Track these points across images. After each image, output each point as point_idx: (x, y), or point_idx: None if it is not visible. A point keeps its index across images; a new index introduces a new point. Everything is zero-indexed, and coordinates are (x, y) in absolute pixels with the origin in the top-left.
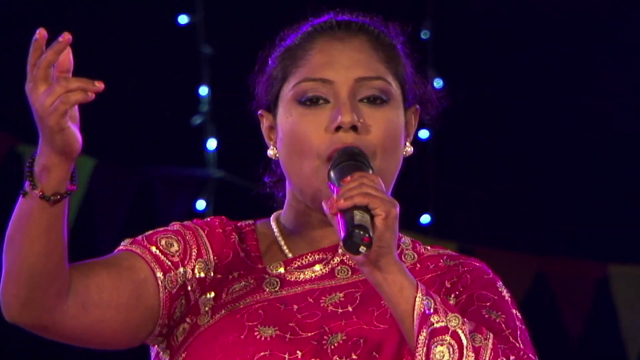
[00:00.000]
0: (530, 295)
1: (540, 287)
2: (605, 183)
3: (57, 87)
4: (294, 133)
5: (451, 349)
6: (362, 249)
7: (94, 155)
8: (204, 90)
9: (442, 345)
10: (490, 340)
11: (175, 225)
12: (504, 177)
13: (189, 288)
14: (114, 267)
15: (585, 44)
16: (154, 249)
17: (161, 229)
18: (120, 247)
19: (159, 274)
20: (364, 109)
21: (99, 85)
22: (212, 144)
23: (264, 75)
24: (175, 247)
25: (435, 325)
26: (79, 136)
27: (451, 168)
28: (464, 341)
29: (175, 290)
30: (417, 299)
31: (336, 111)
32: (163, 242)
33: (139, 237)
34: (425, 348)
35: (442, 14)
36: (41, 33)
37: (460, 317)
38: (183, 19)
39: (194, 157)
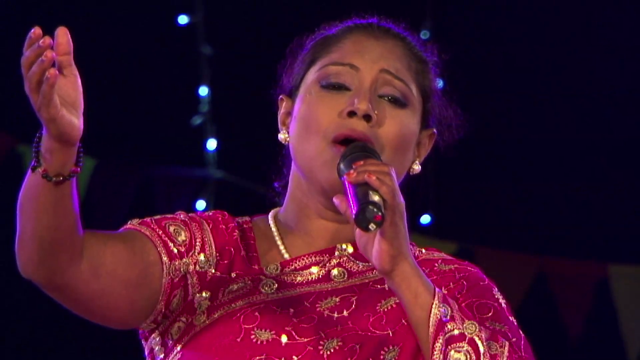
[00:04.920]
0: (530, 295)
1: (540, 287)
2: (605, 183)
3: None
4: (307, 112)
5: (468, 356)
6: (372, 226)
7: (94, 155)
8: (203, 91)
9: (459, 352)
10: (506, 348)
11: (182, 215)
12: (504, 178)
13: (189, 281)
14: (130, 243)
15: (585, 44)
16: (162, 233)
17: (169, 215)
18: (129, 226)
19: (165, 259)
20: (383, 104)
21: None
22: (211, 144)
23: (295, 61)
24: (183, 236)
25: (452, 332)
26: (76, 123)
27: (451, 168)
28: (481, 348)
29: (177, 279)
30: (434, 307)
31: (354, 97)
32: (172, 229)
33: (148, 219)
34: (441, 355)
35: (442, 14)
36: (36, 32)
37: (477, 325)
38: (183, 19)
39: (194, 157)
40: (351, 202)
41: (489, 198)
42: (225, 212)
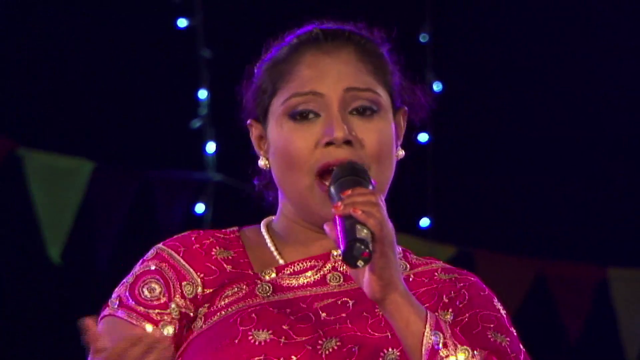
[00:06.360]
0: (530, 298)
1: (540, 290)
2: (604, 186)
3: None
4: (285, 149)
5: None
6: (360, 263)
7: (93, 158)
8: (203, 94)
9: None
10: None
11: (152, 264)
12: (503, 181)
13: (189, 312)
14: None
15: (585, 46)
16: (140, 308)
17: (140, 271)
18: (109, 312)
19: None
20: (354, 120)
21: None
22: (211, 147)
23: (253, 85)
24: (157, 289)
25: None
26: None
27: (450, 171)
28: None
29: (177, 327)
30: (425, 335)
31: (328, 126)
32: (145, 291)
33: (124, 296)
34: None
35: (441, 17)
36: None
37: (470, 350)
38: (182, 23)
39: (193, 161)
40: (339, 235)
41: (488, 201)
42: (201, 231)
